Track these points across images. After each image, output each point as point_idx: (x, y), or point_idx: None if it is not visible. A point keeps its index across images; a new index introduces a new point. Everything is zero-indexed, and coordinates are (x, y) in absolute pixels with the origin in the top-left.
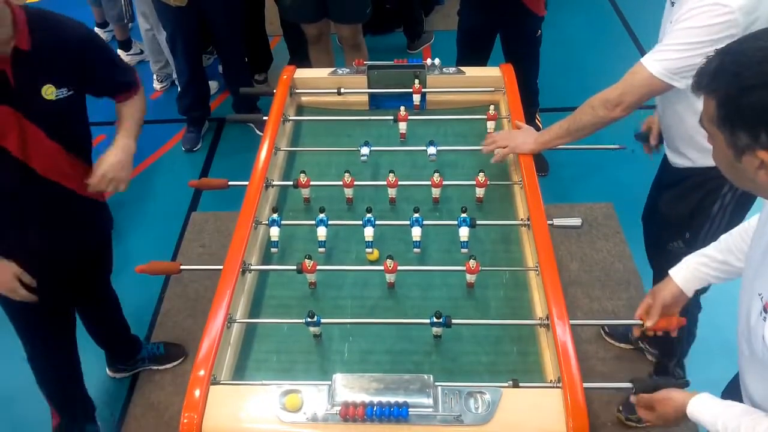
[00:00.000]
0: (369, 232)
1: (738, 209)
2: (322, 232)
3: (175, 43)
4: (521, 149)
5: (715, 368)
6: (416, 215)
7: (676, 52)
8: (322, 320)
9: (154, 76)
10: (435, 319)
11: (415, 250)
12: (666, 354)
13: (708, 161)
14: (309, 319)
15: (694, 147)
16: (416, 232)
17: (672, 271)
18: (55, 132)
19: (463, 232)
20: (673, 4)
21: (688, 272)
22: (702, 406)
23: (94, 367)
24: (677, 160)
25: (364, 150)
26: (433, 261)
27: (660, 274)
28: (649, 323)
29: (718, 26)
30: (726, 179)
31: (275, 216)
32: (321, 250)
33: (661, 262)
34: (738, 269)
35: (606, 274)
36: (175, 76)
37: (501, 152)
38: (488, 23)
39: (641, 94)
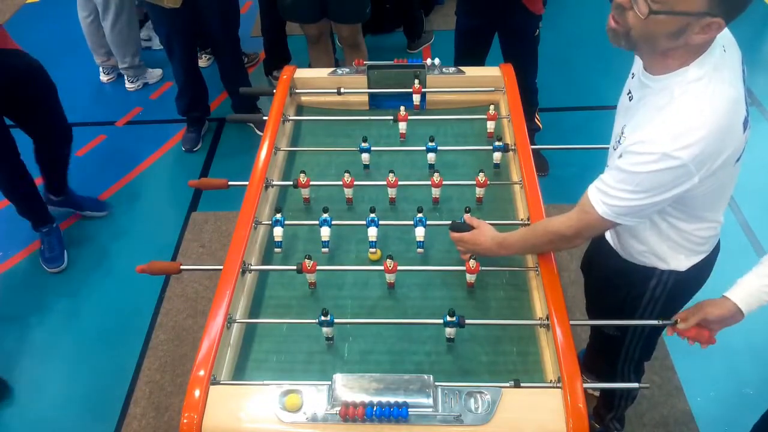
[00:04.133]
0: (373, 232)
1: (670, 302)
2: (325, 232)
3: (171, 45)
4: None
5: (713, 368)
6: (419, 215)
7: (625, 194)
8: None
9: (100, 69)
10: (449, 318)
11: (419, 250)
12: (605, 406)
13: (638, 258)
14: (323, 318)
15: (634, 250)
16: (420, 232)
17: (729, 294)
18: None
19: None
20: (630, 98)
21: (747, 295)
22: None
23: (94, 362)
24: (612, 242)
25: (365, 156)
26: (434, 261)
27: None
28: (682, 326)
29: (669, 180)
30: (653, 273)
31: (279, 216)
32: (324, 250)
33: (601, 339)
34: None
35: None
36: (120, 68)
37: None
38: (486, 23)
39: (597, 230)
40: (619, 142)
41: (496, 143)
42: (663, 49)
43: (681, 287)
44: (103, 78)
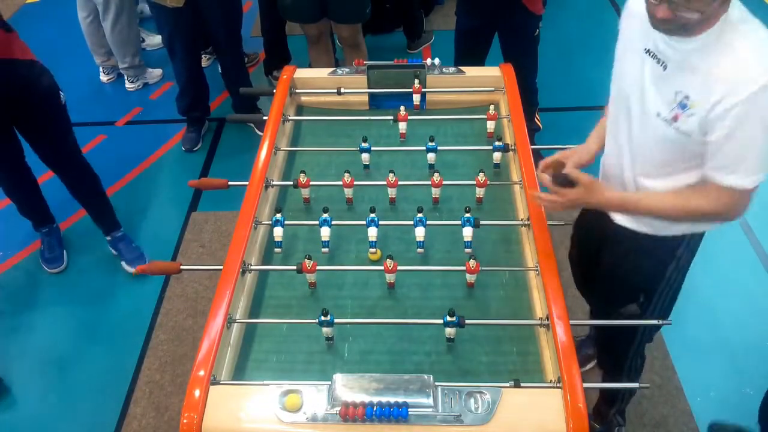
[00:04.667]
0: (373, 232)
1: (689, 264)
2: (325, 232)
3: (173, 45)
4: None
5: (713, 368)
6: (419, 215)
7: (754, 155)
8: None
9: (100, 69)
10: (449, 318)
11: (419, 250)
12: (607, 402)
13: (670, 231)
14: (323, 318)
15: (662, 224)
16: (420, 232)
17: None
18: None
19: (467, 232)
20: (664, 67)
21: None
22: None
23: (93, 362)
24: (630, 225)
25: (365, 156)
26: (434, 261)
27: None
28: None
29: None
30: (682, 241)
31: (279, 216)
32: (324, 250)
33: (609, 335)
34: None
35: None
36: (120, 68)
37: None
38: (485, 23)
39: (748, 204)
40: (682, 107)
41: (496, 143)
42: (713, 14)
43: (698, 245)
44: (103, 78)
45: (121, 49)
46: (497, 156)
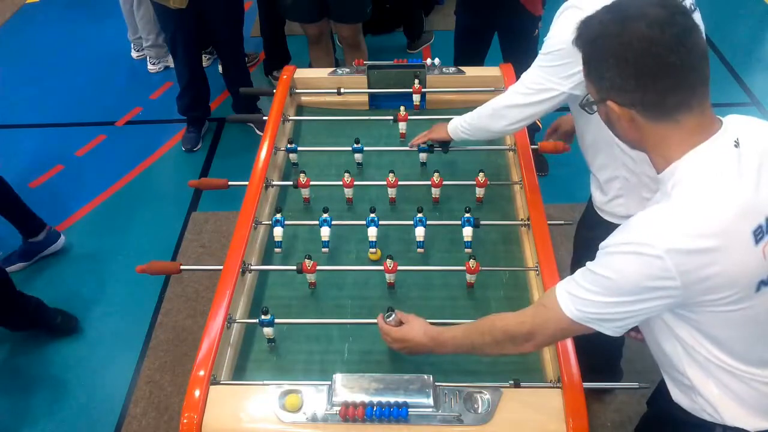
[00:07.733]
0: (373, 232)
1: None
2: (325, 232)
3: (175, 45)
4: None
5: None
6: (419, 215)
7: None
8: (324, 320)
9: (132, 45)
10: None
11: (419, 249)
12: None
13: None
14: (263, 317)
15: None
16: (420, 232)
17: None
18: None
19: (467, 232)
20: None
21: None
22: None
23: (93, 362)
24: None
25: (358, 156)
26: (434, 261)
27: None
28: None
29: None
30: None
31: (279, 216)
32: (324, 250)
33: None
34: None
35: None
36: (144, 46)
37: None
38: (485, 23)
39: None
40: None
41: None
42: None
43: None
44: (134, 54)
45: (146, 27)
46: (423, 156)
